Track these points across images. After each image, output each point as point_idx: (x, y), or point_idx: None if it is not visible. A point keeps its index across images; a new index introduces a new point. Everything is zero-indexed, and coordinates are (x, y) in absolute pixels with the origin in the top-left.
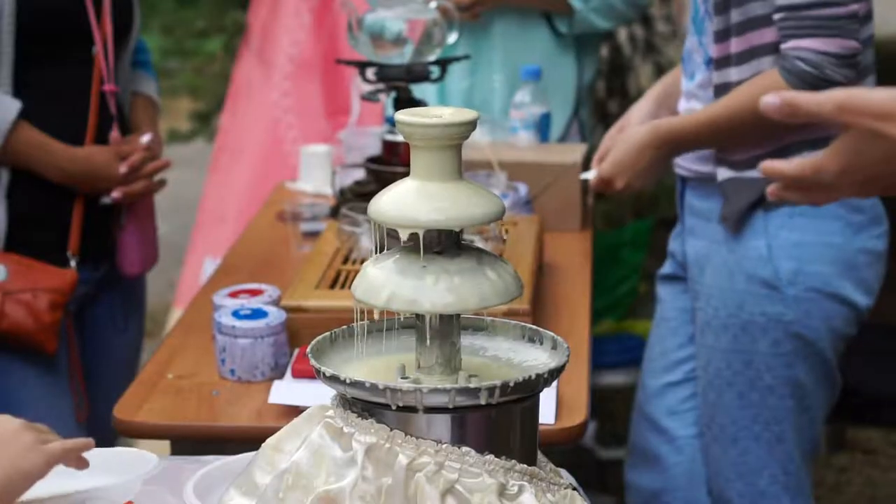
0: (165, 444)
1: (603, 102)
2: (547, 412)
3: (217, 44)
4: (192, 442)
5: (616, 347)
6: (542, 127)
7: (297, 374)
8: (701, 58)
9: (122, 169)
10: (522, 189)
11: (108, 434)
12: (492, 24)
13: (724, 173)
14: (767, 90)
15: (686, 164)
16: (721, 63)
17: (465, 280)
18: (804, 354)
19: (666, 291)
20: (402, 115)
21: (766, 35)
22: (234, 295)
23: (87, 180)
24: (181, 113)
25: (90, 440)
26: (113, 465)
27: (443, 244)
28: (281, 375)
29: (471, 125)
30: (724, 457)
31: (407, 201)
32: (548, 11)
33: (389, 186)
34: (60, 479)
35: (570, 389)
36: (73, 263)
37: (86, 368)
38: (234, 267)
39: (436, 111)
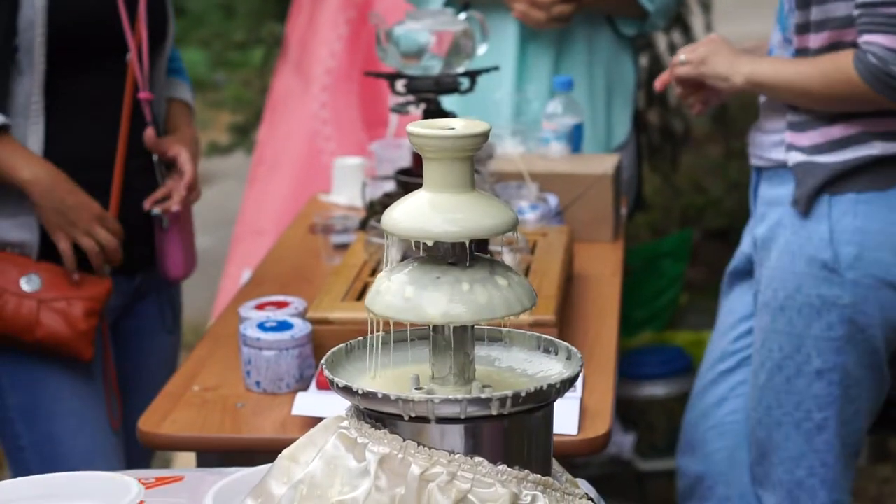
0: (192, 456)
1: (642, 112)
2: (570, 423)
3: (257, 55)
4: (217, 454)
5: (656, 359)
6: (575, 138)
7: (322, 386)
8: (787, 53)
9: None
10: (552, 200)
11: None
12: (573, 29)
13: (795, 157)
14: (838, 68)
15: (762, 152)
16: (802, 55)
17: (478, 291)
18: (855, 341)
19: (733, 287)
20: (414, 127)
21: (845, 35)
22: (260, 307)
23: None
24: (222, 125)
25: None
26: (95, 493)
27: (456, 255)
28: (306, 387)
29: (482, 137)
30: (767, 441)
31: (420, 213)
32: (616, 15)
33: (403, 198)
34: None
35: (595, 400)
36: (107, 270)
37: (123, 378)
38: (265, 279)
39: (448, 123)
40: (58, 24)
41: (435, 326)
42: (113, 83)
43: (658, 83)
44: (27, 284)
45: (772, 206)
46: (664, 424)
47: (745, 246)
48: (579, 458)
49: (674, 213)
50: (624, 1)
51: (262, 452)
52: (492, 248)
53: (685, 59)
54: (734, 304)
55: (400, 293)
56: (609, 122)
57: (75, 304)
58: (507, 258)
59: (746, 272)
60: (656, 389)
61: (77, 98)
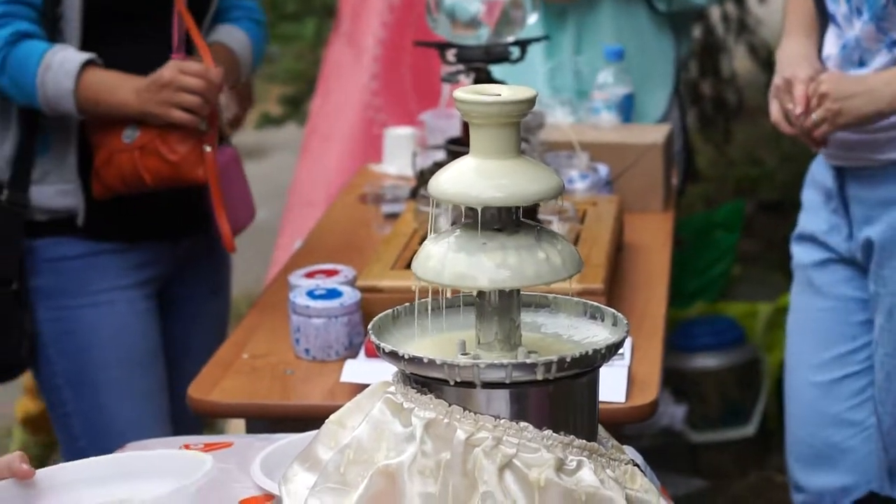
0: (242, 423)
1: (696, 83)
2: (617, 390)
3: (309, 27)
4: (266, 421)
5: (708, 330)
6: (625, 108)
7: (370, 354)
8: (882, 43)
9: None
10: (603, 170)
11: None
12: (599, 3)
13: None
14: None
15: (845, 153)
16: None
17: (523, 256)
18: None
19: (824, 280)
20: (461, 93)
21: None
22: (310, 275)
23: (160, 100)
24: (274, 98)
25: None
26: (167, 470)
27: (502, 221)
28: (355, 355)
29: (528, 103)
30: None
31: (466, 179)
32: None
33: (449, 164)
34: (111, 486)
35: (643, 368)
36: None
37: (172, 345)
38: (315, 248)
39: (494, 89)
40: None
41: (481, 292)
42: (155, 50)
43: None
44: (127, 137)
45: (876, 206)
46: (716, 396)
47: (834, 245)
48: (631, 429)
49: (728, 185)
50: None
51: (310, 419)
52: (541, 216)
53: (818, 119)
54: (829, 298)
55: (446, 259)
56: (641, 99)
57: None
58: (557, 227)
59: (837, 266)
60: (708, 361)
61: (117, 65)
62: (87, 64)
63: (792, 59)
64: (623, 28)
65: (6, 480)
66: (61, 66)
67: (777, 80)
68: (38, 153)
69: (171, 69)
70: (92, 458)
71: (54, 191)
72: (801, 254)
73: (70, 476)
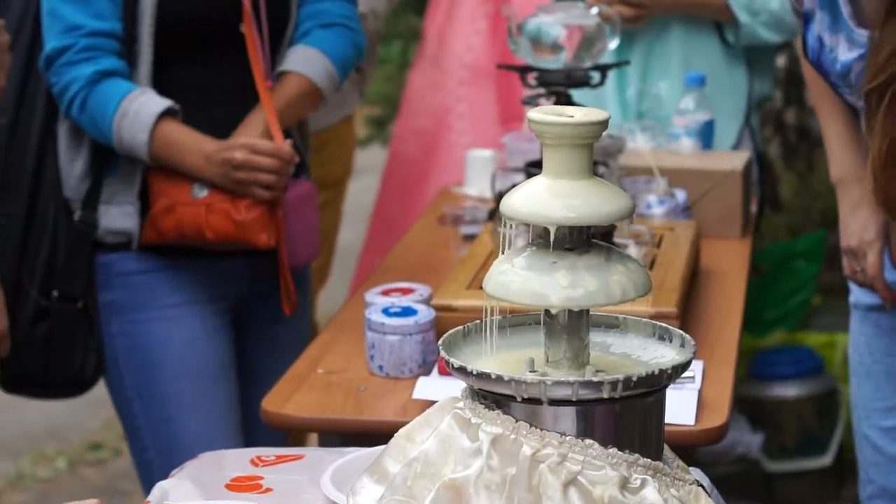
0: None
1: (779, 112)
2: (687, 413)
3: (394, 49)
4: (338, 435)
5: (787, 359)
6: (706, 134)
7: (443, 372)
8: None
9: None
10: (681, 195)
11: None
12: (668, 31)
13: None
14: None
15: None
16: None
17: (594, 276)
18: None
19: (885, 323)
20: (535, 114)
21: None
22: (386, 293)
23: (235, 180)
24: (360, 119)
25: None
26: None
27: (573, 241)
28: (428, 372)
29: (601, 125)
30: None
31: (538, 198)
32: (717, 21)
33: (522, 184)
34: None
35: (714, 392)
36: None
37: (247, 361)
38: (393, 267)
39: (568, 111)
40: (168, 15)
41: (550, 311)
42: (227, 71)
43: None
44: (196, 194)
45: None
46: (793, 425)
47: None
48: (706, 456)
49: (812, 215)
50: (713, 7)
51: (381, 435)
52: (617, 240)
53: None
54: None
55: (517, 277)
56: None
57: (238, 203)
58: (633, 251)
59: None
60: (786, 390)
61: (189, 87)
62: (164, 114)
63: (850, 201)
64: (693, 57)
65: None
66: (137, 116)
67: (844, 242)
68: (107, 174)
69: (244, 151)
70: None
71: (119, 212)
72: (859, 294)
73: None
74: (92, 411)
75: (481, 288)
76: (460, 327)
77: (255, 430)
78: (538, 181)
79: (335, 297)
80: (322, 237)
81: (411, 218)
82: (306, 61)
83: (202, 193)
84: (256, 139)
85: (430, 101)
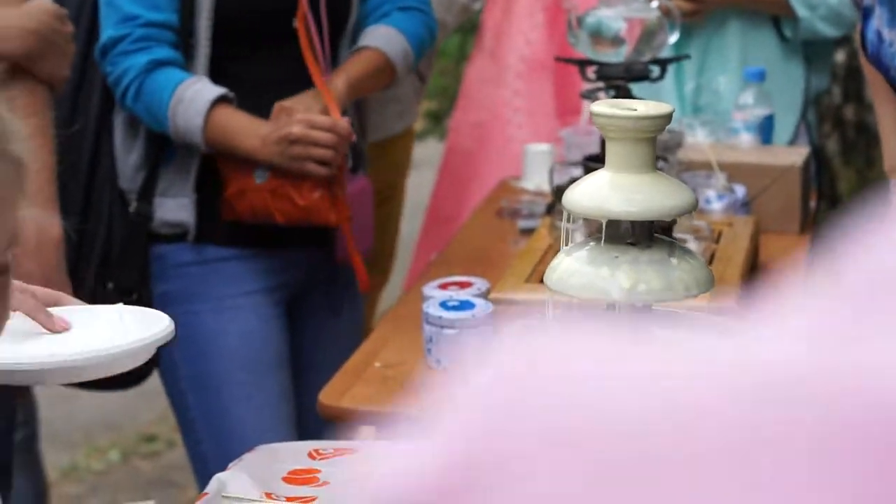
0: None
1: (838, 108)
2: None
3: (452, 43)
4: (395, 428)
5: None
6: (765, 129)
7: None
8: None
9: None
10: (740, 191)
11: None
12: (726, 25)
13: None
14: None
15: None
16: None
17: (657, 272)
18: None
19: None
20: (598, 107)
21: None
22: (444, 287)
23: (292, 155)
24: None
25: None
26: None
27: (636, 235)
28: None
29: (664, 119)
30: None
31: (600, 192)
32: (775, 15)
33: (584, 177)
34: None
35: None
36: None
37: (300, 353)
38: (450, 261)
39: (631, 104)
40: (226, 10)
41: (611, 304)
42: (284, 65)
43: None
44: (259, 178)
45: None
46: None
47: None
48: None
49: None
50: (771, 1)
51: None
52: (677, 234)
53: None
54: None
55: (579, 271)
56: None
57: (300, 186)
58: (692, 245)
59: None
60: None
61: (246, 81)
62: (218, 100)
63: None
64: (750, 51)
65: None
66: (192, 102)
67: None
68: (162, 166)
69: (300, 125)
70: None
71: (174, 204)
72: None
73: None
74: (145, 403)
75: (540, 282)
76: (520, 322)
77: (308, 422)
78: (600, 175)
79: (390, 289)
80: (381, 235)
81: (467, 211)
82: (383, 38)
83: (264, 178)
84: (314, 114)
85: (487, 94)
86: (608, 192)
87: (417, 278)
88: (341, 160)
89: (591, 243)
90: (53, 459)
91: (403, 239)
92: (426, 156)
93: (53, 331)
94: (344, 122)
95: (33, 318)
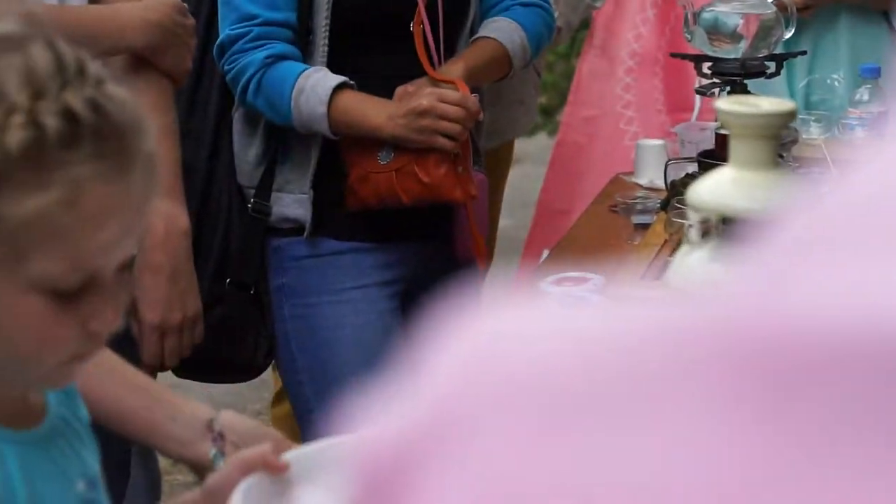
0: None
1: None
2: None
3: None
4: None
5: None
6: (880, 126)
7: None
8: None
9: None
10: None
11: None
12: (836, 21)
13: None
14: None
15: None
16: None
17: None
18: None
19: None
20: (723, 104)
21: None
22: (559, 282)
23: (420, 128)
24: None
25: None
26: None
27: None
28: None
29: (789, 116)
30: None
31: (724, 189)
32: (885, 9)
33: (709, 174)
34: None
35: None
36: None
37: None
38: (564, 256)
39: (755, 101)
40: (344, 8)
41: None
42: (403, 59)
43: None
44: (383, 159)
45: None
46: None
47: None
48: None
49: None
50: None
51: None
52: None
53: None
54: None
55: (702, 269)
56: None
57: (425, 162)
58: None
59: None
60: None
61: (366, 76)
62: (339, 87)
63: None
64: (861, 47)
65: (258, 473)
66: (314, 90)
67: None
68: (280, 162)
69: (430, 97)
70: (340, 437)
71: (292, 199)
72: None
73: (319, 457)
74: (255, 393)
75: (656, 278)
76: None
77: None
78: (723, 172)
79: (497, 283)
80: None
81: (578, 205)
82: (503, 30)
83: (389, 158)
84: (443, 89)
85: (598, 89)
86: (731, 188)
87: (529, 271)
88: (467, 136)
89: (714, 241)
90: None
91: (504, 231)
92: (534, 150)
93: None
94: (473, 98)
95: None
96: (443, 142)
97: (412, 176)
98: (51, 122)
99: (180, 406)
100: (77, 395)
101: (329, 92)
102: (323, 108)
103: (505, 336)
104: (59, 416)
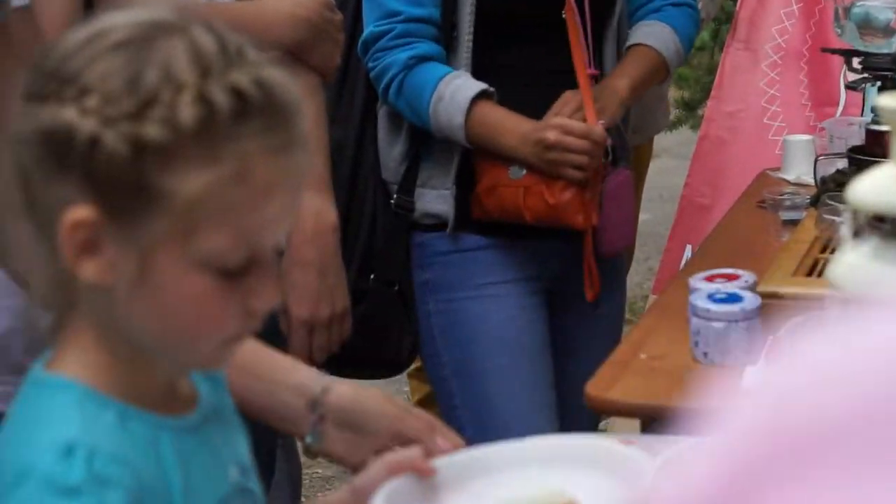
0: (635, 423)
1: None
2: None
3: (705, 33)
4: (661, 422)
5: None
6: None
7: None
8: None
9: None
10: None
11: (593, 414)
12: None
13: None
14: None
15: None
16: None
17: None
18: None
19: None
20: (885, 100)
21: None
22: (710, 279)
23: (547, 160)
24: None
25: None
26: (578, 458)
27: None
28: (753, 361)
29: None
30: None
31: (886, 187)
32: None
33: (868, 172)
34: (520, 474)
35: None
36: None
37: (562, 346)
38: (711, 252)
39: None
40: (489, 2)
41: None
42: (545, 53)
43: None
44: (514, 174)
45: None
46: None
47: None
48: None
49: None
50: None
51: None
52: None
53: None
54: None
55: (864, 268)
56: None
57: (553, 185)
58: None
59: None
60: None
61: (507, 70)
62: (478, 96)
63: None
64: None
65: (405, 476)
66: (453, 98)
67: None
68: (424, 158)
69: (555, 132)
70: (491, 446)
71: (436, 195)
72: None
73: (470, 465)
74: (393, 387)
75: (807, 275)
76: (801, 317)
77: (567, 411)
78: (885, 169)
79: (635, 276)
80: None
81: (719, 201)
82: (660, 37)
83: (520, 174)
84: (569, 120)
85: (742, 84)
86: (892, 186)
87: (673, 266)
88: (597, 164)
89: (876, 240)
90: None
91: (644, 225)
92: (675, 145)
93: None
94: (599, 129)
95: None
96: (571, 173)
97: (539, 196)
98: (220, 98)
99: (283, 379)
100: (223, 382)
101: (468, 102)
102: (460, 119)
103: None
104: (210, 403)
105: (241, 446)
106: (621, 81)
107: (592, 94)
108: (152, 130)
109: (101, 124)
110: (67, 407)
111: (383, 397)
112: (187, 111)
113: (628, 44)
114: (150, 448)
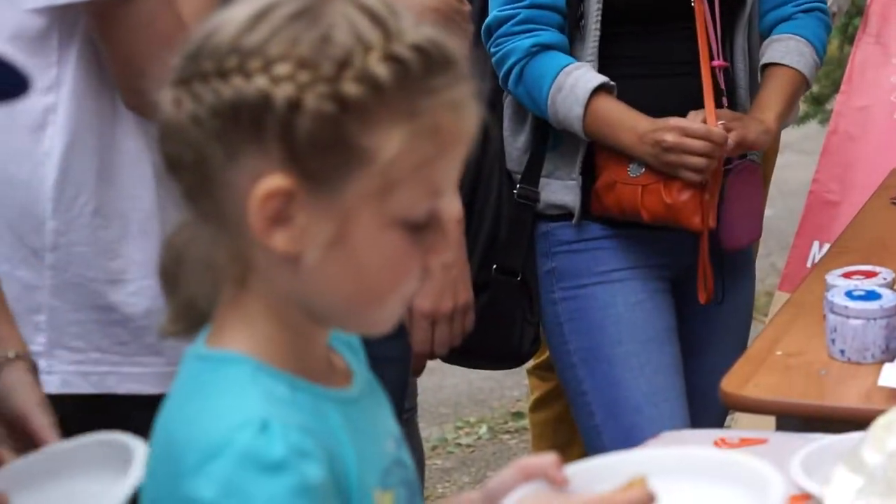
0: (770, 420)
1: None
2: None
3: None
4: (796, 419)
5: None
6: None
7: None
8: None
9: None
10: None
11: (718, 407)
12: None
13: None
14: None
15: None
16: None
17: None
18: None
19: None
20: None
21: None
22: (847, 276)
23: (665, 162)
24: None
25: None
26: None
27: None
28: (891, 359)
29: None
30: None
31: None
32: None
33: None
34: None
35: None
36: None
37: (690, 341)
38: (846, 249)
39: None
40: None
41: None
42: (672, 46)
43: None
44: (633, 172)
45: None
46: None
47: None
48: None
49: None
50: None
51: (843, 421)
52: None
53: None
54: None
55: None
56: None
57: (671, 185)
58: None
59: None
60: None
61: (632, 62)
62: (599, 89)
63: None
64: None
65: (536, 482)
66: (572, 90)
67: None
68: (549, 149)
69: (675, 133)
70: (620, 454)
71: (561, 186)
72: None
73: (601, 472)
74: (512, 379)
75: None
76: None
77: (694, 404)
78: None
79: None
80: None
81: (848, 197)
82: (796, 55)
83: (638, 172)
84: (688, 121)
85: (872, 78)
86: None
87: (800, 262)
88: (715, 166)
89: None
90: (423, 433)
91: (772, 220)
92: (802, 139)
93: None
94: (718, 130)
95: None
96: (689, 175)
97: (656, 195)
98: (408, 55)
99: None
100: (364, 355)
101: (587, 94)
102: (579, 110)
103: None
104: (363, 376)
105: (391, 419)
106: (768, 114)
107: (731, 115)
108: (353, 89)
109: (298, 89)
110: (242, 381)
111: None
112: (381, 68)
113: (765, 61)
114: (322, 420)
